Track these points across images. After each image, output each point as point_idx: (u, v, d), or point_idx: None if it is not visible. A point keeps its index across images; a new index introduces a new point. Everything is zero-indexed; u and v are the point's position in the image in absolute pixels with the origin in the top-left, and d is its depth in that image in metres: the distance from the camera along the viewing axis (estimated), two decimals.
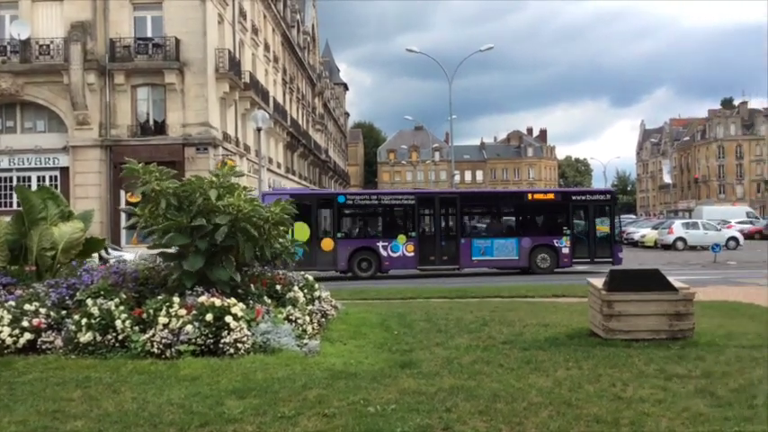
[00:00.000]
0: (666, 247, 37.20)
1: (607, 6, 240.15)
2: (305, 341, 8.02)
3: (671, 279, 8.87)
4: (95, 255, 21.01)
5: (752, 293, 15.16)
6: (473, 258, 23.64)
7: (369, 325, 9.98)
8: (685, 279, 11.61)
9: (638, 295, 8.57)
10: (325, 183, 70.68)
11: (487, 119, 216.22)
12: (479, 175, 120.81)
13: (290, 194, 25.00)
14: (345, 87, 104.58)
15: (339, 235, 23.45)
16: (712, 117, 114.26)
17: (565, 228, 23.95)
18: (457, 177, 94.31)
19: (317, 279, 11.28)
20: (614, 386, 6.29)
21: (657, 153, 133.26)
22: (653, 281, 8.77)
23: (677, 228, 38.43)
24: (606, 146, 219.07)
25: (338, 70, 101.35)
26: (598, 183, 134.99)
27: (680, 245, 36.97)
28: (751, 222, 53.10)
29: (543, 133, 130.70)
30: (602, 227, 24.23)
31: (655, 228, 42.21)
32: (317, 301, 9.76)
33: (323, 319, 9.49)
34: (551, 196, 26.62)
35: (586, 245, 23.84)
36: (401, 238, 23.40)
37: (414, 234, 23.52)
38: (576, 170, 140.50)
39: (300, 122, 55.09)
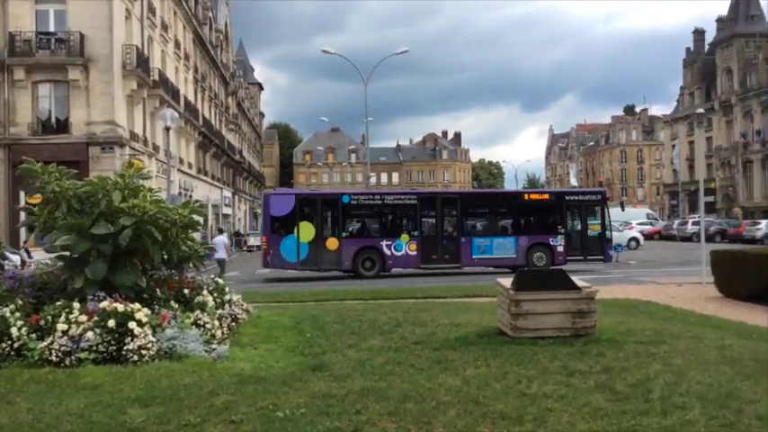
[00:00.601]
0: None
1: (518, 14, 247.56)
2: (213, 346, 7.84)
3: (575, 278, 9.19)
4: (17, 257, 19.93)
5: (650, 291, 15.95)
6: (473, 257, 24.13)
7: (281, 328, 9.87)
8: (589, 278, 12.07)
9: (544, 294, 8.83)
10: (239, 184, 69.52)
11: (403, 121, 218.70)
12: (395, 177, 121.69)
13: (295, 194, 25.78)
14: (260, 87, 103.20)
15: (344, 234, 23.74)
16: (615, 123, 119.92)
17: (559, 227, 24.77)
18: (373, 179, 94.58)
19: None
20: (520, 383, 6.44)
21: (565, 157, 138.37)
22: (558, 280, 9.07)
23: None
24: (518, 149, 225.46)
25: (252, 70, 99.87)
26: (510, 185, 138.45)
27: None
28: (651, 224, 55.90)
29: (458, 136, 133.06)
30: (594, 226, 25.24)
31: None
32: (227, 305, 9.54)
33: (233, 324, 9.30)
34: (546, 196, 27.72)
35: (579, 243, 24.77)
36: (404, 237, 23.84)
37: (416, 233, 23.97)
38: (489, 173, 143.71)
39: (213, 122, 53.99)
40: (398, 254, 23.68)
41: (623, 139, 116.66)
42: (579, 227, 25.15)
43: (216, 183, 54.24)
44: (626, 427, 5.07)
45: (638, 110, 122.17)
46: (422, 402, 5.79)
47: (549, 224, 24.91)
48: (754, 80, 70.15)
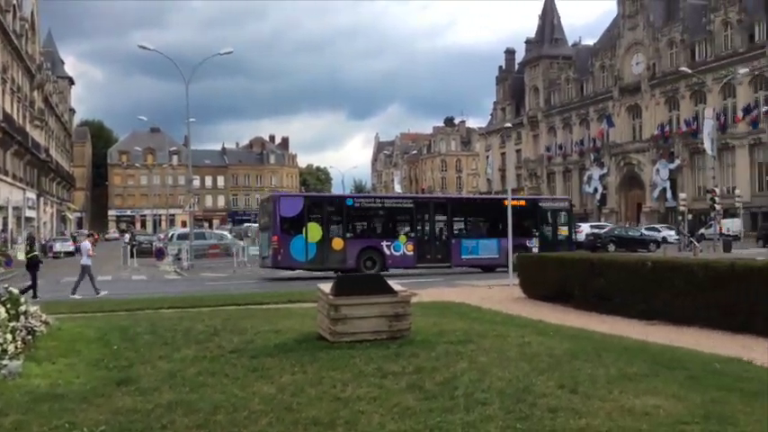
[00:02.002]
0: None
1: (344, 23, 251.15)
2: (4, 362, 7.10)
3: (391, 283, 9.45)
4: None
5: (464, 293, 16.85)
6: (462, 257, 26.12)
7: (84, 341, 9.18)
8: (410, 282, 12.52)
9: (362, 299, 8.96)
10: (45, 185, 64.25)
11: (229, 124, 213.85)
12: (221, 180, 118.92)
13: (303, 196, 27.29)
14: (71, 81, 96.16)
15: (348, 235, 25.00)
16: (437, 134, 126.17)
17: (534, 230, 27.19)
18: (196, 182, 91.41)
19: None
20: (335, 387, 6.46)
21: (390, 164, 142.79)
22: (375, 285, 9.26)
23: None
24: (347, 156, 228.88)
25: (62, 62, 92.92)
26: (337, 191, 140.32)
27: None
28: None
29: (285, 141, 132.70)
30: (563, 230, 27.91)
31: None
32: (22, 317, 8.71)
33: (29, 337, 8.49)
34: (524, 203, 29.93)
35: (551, 244, 26.64)
36: (402, 238, 25.51)
37: (413, 234, 25.72)
38: (316, 178, 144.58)
39: (15, 117, 49.46)
40: (397, 254, 25.23)
41: (443, 148, 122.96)
42: (550, 230, 27.75)
43: (18, 183, 49.72)
44: (432, 425, 5.25)
45: (456, 122, 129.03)
46: (233, 413, 5.63)
47: (525, 228, 26.90)
48: (558, 98, 76.84)
